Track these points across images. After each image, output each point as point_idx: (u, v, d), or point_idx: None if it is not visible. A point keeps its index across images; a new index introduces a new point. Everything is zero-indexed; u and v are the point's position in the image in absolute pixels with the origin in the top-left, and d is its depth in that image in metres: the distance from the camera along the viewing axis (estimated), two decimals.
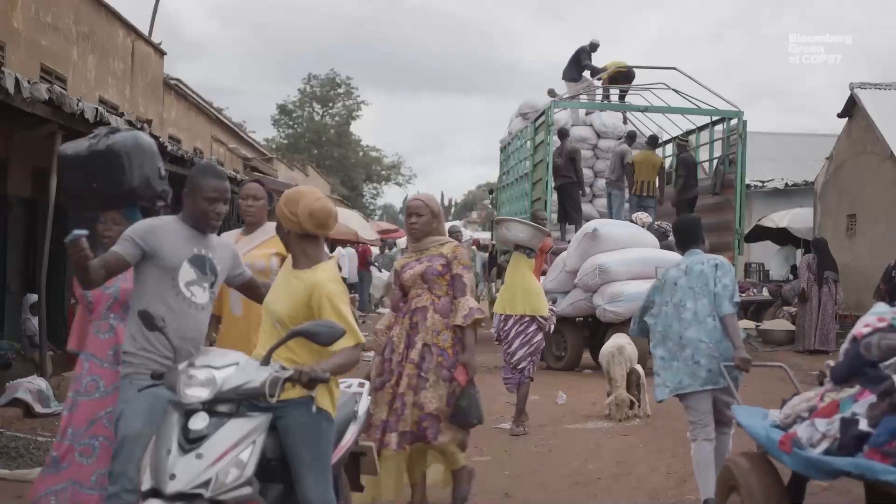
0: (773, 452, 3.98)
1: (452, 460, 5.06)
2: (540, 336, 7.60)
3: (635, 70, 16.45)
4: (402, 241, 16.53)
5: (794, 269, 18.21)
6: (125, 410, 3.72)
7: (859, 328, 3.87)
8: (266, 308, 3.55)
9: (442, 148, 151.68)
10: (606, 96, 16.99)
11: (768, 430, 4.04)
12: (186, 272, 3.80)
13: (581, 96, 16.43)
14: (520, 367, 7.52)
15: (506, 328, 7.61)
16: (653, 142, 15.30)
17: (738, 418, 4.61)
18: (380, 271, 23.69)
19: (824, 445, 3.60)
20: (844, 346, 3.97)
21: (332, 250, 19.62)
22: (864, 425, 3.46)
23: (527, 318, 7.53)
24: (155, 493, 2.93)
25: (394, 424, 4.82)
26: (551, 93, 16.48)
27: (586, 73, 16.89)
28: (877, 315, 3.90)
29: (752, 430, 4.24)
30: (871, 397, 3.57)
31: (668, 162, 16.00)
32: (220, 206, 3.85)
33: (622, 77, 16.24)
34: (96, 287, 3.96)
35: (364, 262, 22.06)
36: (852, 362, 3.79)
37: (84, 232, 3.55)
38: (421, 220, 4.94)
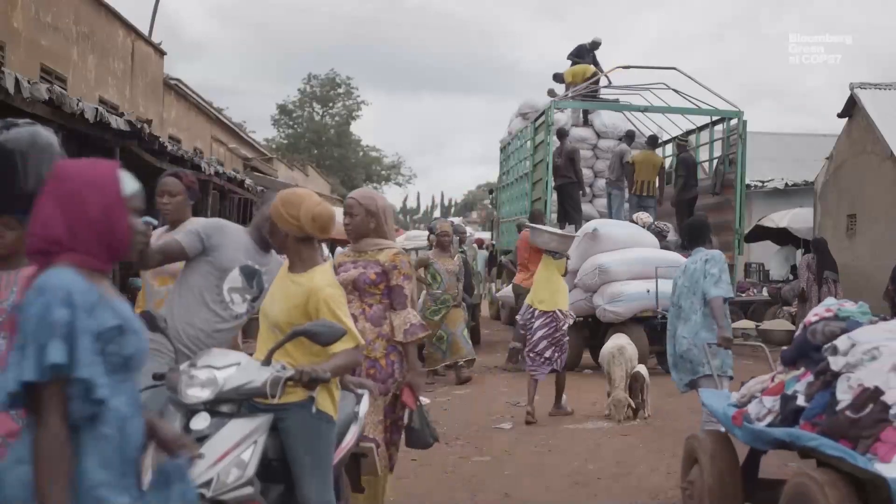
0: (728, 426, 4.49)
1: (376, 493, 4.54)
2: (560, 331, 8.33)
3: (635, 70, 16.46)
4: (402, 241, 16.48)
5: (794, 269, 18.18)
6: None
7: (809, 317, 4.33)
8: (263, 312, 3.54)
9: (442, 148, 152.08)
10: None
11: (726, 409, 4.55)
12: (234, 278, 3.88)
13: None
14: (545, 355, 8.28)
15: (532, 319, 8.43)
16: (653, 142, 15.29)
17: (702, 398, 5.12)
18: None
19: (769, 419, 4.09)
20: (797, 333, 4.41)
21: (332, 251, 19.61)
22: (801, 401, 3.91)
23: (550, 314, 8.32)
24: None
25: None
26: (551, 93, 16.47)
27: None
28: (825, 307, 4.38)
29: (712, 408, 4.77)
30: (810, 377, 4.00)
31: (668, 162, 15.98)
32: None
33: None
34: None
35: None
36: (800, 347, 4.25)
37: (154, 221, 3.72)
38: (354, 219, 4.46)
